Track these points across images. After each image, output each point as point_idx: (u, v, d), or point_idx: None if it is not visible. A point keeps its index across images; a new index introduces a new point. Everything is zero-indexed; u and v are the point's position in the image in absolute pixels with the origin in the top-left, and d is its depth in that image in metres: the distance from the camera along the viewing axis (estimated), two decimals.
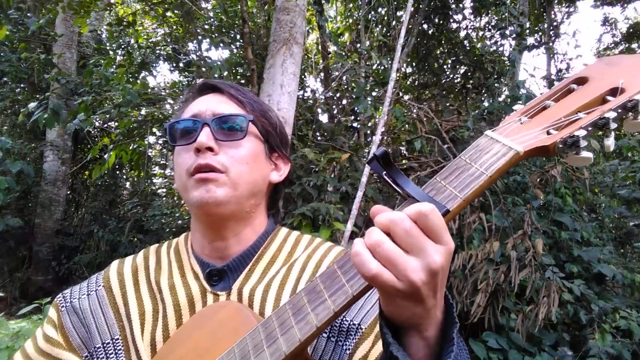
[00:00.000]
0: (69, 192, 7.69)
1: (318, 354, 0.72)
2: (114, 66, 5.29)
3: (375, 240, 0.47)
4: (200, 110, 0.80)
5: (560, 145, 0.49)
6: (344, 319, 0.73)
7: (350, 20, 6.96)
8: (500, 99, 5.75)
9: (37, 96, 6.03)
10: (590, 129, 0.50)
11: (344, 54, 5.99)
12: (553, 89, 0.59)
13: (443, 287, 0.50)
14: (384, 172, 0.54)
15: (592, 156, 0.49)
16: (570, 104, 0.54)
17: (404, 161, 5.32)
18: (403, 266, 0.45)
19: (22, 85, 7.27)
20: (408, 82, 7.34)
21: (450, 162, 0.54)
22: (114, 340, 0.77)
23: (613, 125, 0.49)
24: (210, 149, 0.75)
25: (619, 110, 0.50)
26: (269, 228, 0.86)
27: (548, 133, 0.52)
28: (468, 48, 6.81)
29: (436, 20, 6.83)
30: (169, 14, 6.10)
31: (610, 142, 0.49)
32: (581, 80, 0.58)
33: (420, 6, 6.06)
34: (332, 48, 6.37)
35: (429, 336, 0.51)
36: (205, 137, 0.75)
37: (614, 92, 0.52)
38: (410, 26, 5.74)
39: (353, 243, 0.49)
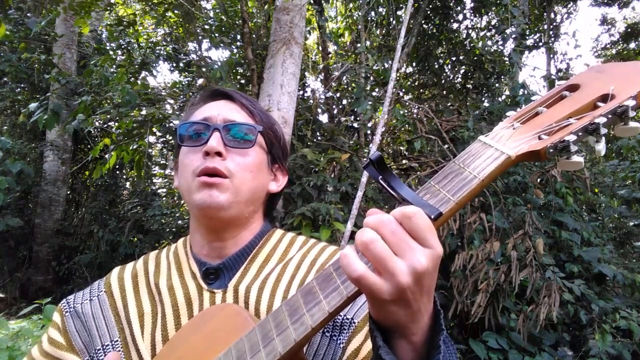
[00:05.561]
0: (69, 192, 7.69)
1: (313, 349, 0.73)
2: (114, 66, 5.29)
3: (368, 239, 0.47)
4: (211, 114, 0.82)
5: (551, 150, 0.50)
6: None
7: (350, 20, 6.97)
8: (501, 99, 5.75)
9: (37, 96, 6.04)
10: (580, 134, 0.50)
11: (344, 54, 6.01)
12: (545, 96, 0.60)
13: (431, 293, 0.50)
14: (380, 177, 0.55)
15: (583, 161, 0.50)
16: (561, 110, 0.55)
17: (404, 161, 5.32)
18: (391, 266, 0.46)
19: (22, 85, 7.28)
20: (408, 82, 7.34)
21: (445, 166, 0.55)
22: (113, 343, 0.79)
23: (603, 131, 0.50)
24: (219, 154, 0.77)
25: (609, 116, 0.50)
26: (264, 229, 0.88)
27: (539, 138, 0.52)
28: (468, 48, 6.80)
29: (436, 20, 6.83)
30: (169, 14, 6.10)
31: (600, 147, 0.50)
32: (573, 87, 0.59)
33: (421, 6, 6.06)
34: (332, 48, 6.37)
35: (416, 341, 0.51)
36: (215, 141, 0.77)
37: (605, 98, 0.53)
38: (410, 26, 5.74)
39: (343, 248, 0.49)
